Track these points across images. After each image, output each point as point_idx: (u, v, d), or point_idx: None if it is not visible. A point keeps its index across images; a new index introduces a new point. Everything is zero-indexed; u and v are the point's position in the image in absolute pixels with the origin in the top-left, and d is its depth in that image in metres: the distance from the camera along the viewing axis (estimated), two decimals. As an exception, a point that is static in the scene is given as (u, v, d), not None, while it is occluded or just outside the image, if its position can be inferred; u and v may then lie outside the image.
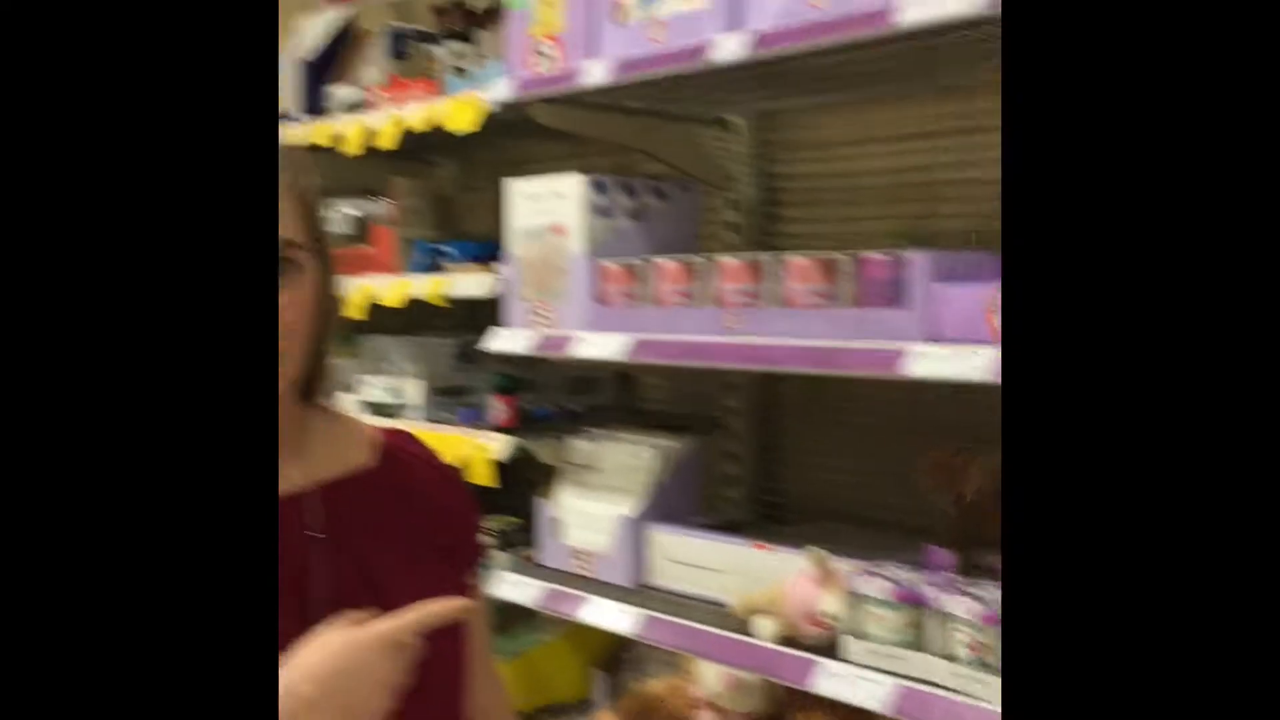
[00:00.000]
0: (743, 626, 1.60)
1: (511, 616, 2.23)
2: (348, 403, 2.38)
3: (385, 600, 1.04)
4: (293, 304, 1.01)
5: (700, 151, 2.11)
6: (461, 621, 1.08)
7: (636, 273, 1.78)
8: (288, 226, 1.01)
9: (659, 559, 1.82)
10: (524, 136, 2.47)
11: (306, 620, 1.01)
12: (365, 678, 0.95)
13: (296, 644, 0.98)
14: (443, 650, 1.06)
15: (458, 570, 1.16)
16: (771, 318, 1.55)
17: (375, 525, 1.11)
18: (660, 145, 2.08)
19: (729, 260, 1.62)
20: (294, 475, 1.08)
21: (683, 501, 1.91)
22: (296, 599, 1.03)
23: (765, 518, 2.13)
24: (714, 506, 2.09)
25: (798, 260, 1.53)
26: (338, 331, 1.13)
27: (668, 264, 1.72)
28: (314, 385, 1.12)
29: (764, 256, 1.58)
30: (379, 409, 2.32)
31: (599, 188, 1.87)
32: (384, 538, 1.10)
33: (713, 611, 1.69)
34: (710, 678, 1.75)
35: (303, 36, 2.61)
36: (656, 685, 1.88)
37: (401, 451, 1.18)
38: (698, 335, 1.63)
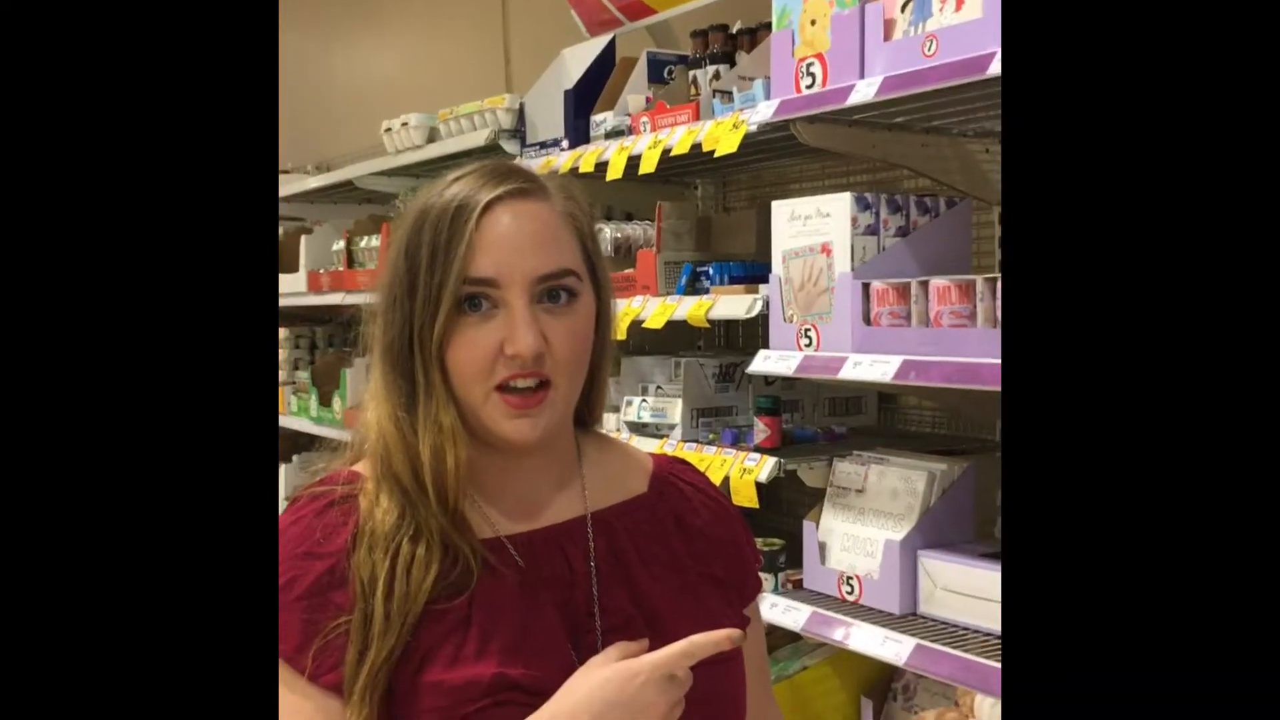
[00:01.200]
0: (1025, 661, 1.53)
1: (776, 640, 2.21)
2: (611, 423, 2.43)
3: (659, 629, 1.04)
4: (572, 332, 1.03)
5: (968, 165, 2.05)
6: (736, 653, 1.06)
7: (908, 292, 1.73)
8: (566, 256, 1.04)
9: (932, 587, 1.76)
10: (782, 156, 2.47)
11: (581, 649, 1.03)
12: (639, 709, 0.96)
13: (568, 674, 0.99)
14: (717, 681, 1.05)
15: (731, 603, 1.14)
16: (1057, 339, 1.47)
17: (649, 553, 1.10)
18: (925, 160, 2.03)
19: (1009, 279, 1.56)
20: (571, 502, 1.10)
21: (954, 527, 1.85)
22: (569, 627, 1.04)
23: (1041, 546, 2.04)
24: (985, 533, 2.01)
25: (1085, 278, 1.46)
26: (612, 358, 1.14)
27: (941, 283, 1.67)
28: (590, 412, 1.14)
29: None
30: (642, 429, 2.36)
31: (865, 205, 1.84)
32: (657, 566, 1.10)
33: (991, 643, 1.63)
34: (990, 712, 1.68)
35: (567, 65, 2.70)
36: (929, 716, 1.82)
37: (675, 479, 1.17)
38: (975, 357, 1.57)
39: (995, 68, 1.54)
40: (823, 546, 1.95)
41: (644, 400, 2.37)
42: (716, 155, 2.06)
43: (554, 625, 1.04)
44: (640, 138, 2.32)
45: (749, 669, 1.12)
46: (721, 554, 1.14)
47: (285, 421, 3.82)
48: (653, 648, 1.01)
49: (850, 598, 1.87)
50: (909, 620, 1.77)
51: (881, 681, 2.08)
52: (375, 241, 3.35)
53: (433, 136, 3.12)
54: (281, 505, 1.30)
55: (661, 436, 2.29)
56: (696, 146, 2.11)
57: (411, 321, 1.03)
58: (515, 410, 1.03)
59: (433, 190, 1.07)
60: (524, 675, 0.99)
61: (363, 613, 0.98)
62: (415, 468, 1.03)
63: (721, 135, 2.04)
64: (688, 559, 1.12)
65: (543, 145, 2.73)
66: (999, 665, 1.54)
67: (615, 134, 2.47)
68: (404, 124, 3.16)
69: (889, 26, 1.75)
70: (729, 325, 2.85)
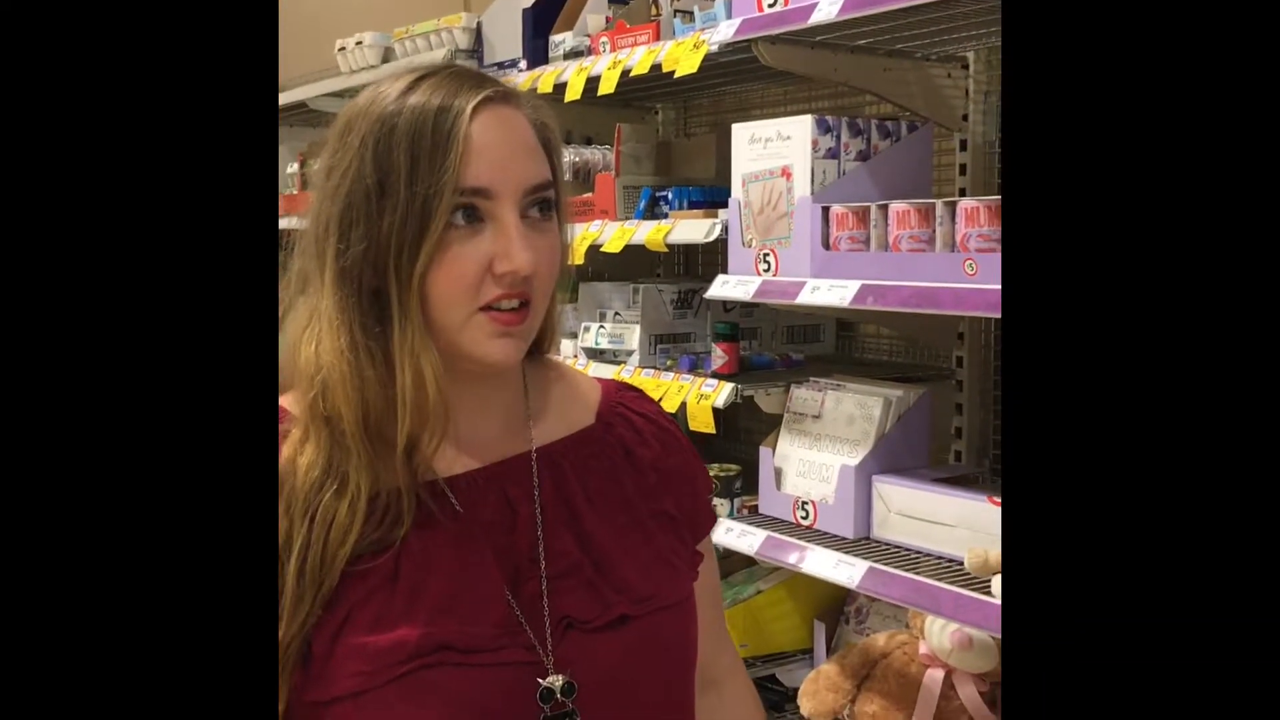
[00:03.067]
0: (975, 583, 1.55)
1: (731, 565, 2.23)
2: (568, 349, 2.41)
3: (606, 572, 0.99)
4: (552, 249, 0.97)
5: (931, 90, 2.03)
6: (688, 596, 1.03)
7: (866, 217, 1.72)
8: (545, 168, 0.98)
9: (885, 511, 1.77)
10: (744, 80, 2.44)
11: (521, 598, 0.96)
12: None
13: (506, 629, 0.93)
14: (669, 627, 1.00)
15: (684, 539, 1.08)
16: (1015, 263, 1.47)
17: (595, 491, 1.03)
18: (888, 85, 2.00)
19: (969, 202, 1.55)
20: (515, 439, 1.03)
21: (909, 453, 1.86)
22: (510, 575, 0.97)
23: (994, 472, 2.06)
24: (939, 459, 2.03)
25: (1045, 202, 1.45)
26: (566, 282, 1.07)
27: (901, 207, 1.65)
28: (543, 340, 1.06)
29: (1007, 198, 1.50)
30: (599, 355, 2.34)
31: (826, 128, 1.81)
32: (604, 504, 1.03)
33: (942, 566, 1.64)
34: (939, 635, 1.71)
35: (525, -15, 2.63)
36: (880, 639, 1.85)
37: (624, 409, 1.10)
38: (934, 282, 1.56)
39: (960, -13, 1.51)
40: (778, 472, 1.95)
41: (601, 326, 2.36)
42: (677, 76, 2.02)
43: (492, 575, 0.96)
44: (599, 58, 2.27)
45: (702, 604, 1.07)
46: (673, 488, 1.08)
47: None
48: (600, 591, 0.97)
49: (805, 522, 1.88)
50: (862, 544, 1.78)
51: (834, 605, 2.10)
52: (329, 164, 3.28)
53: (388, 56, 3.05)
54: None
55: (619, 363, 2.28)
56: (656, 67, 2.07)
57: (385, 239, 0.92)
58: (501, 328, 0.95)
59: (386, 95, 0.96)
60: (458, 633, 0.92)
61: (279, 580, 0.90)
62: (366, 409, 0.93)
63: (682, 56, 2.00)
64: (636, 495, 1.05)
65: (500, 65, 2.67)
66: (949, 587, 1.55)
67: (574, 55, 2.42)
68: (358, 43, 3.08)
69: (853, -56, 1.71)
70: (688, 252, 2.83)
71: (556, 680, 0.94)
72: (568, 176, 2.46)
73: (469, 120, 0.93)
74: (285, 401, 0.99)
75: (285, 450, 0.94)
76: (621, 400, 1.11)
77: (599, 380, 1.13)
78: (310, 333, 0.96)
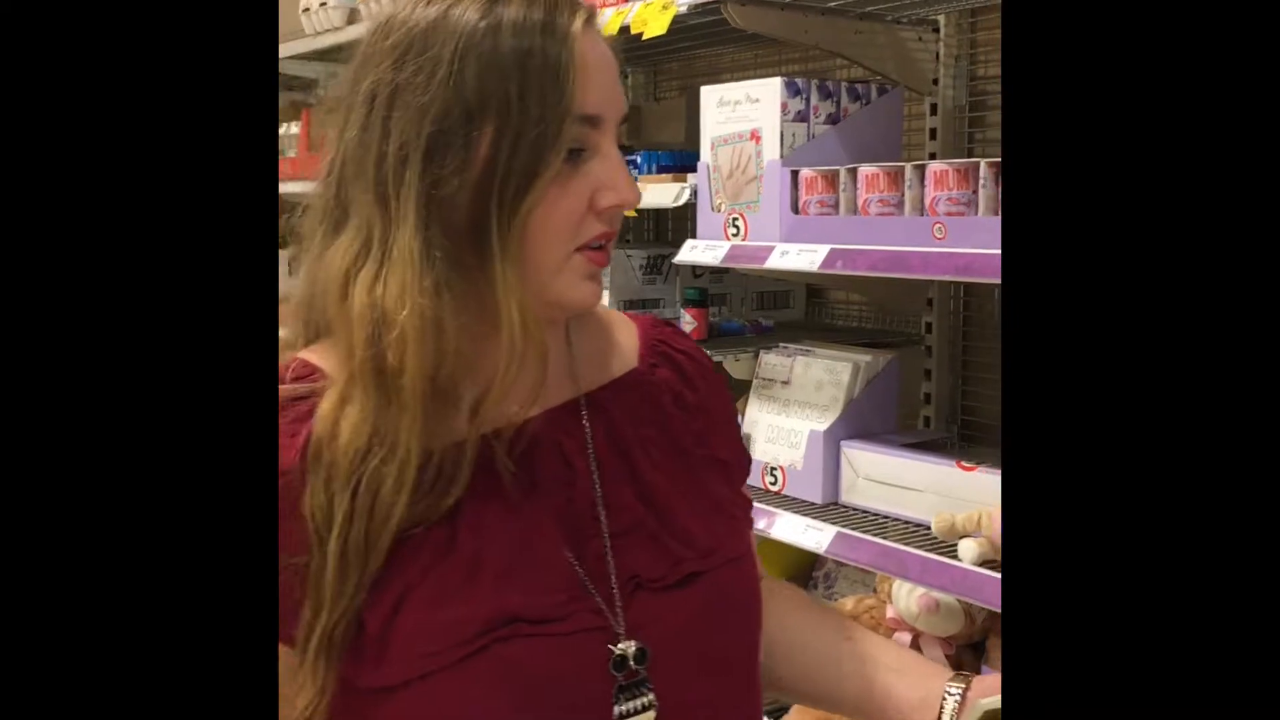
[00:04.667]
0: (942, 548, 1.55)
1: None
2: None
3: (669, 525, 0.92)
4: None
5: (902, 54, 2.01)
6: (748, 548, 0.98)
7: (836, 180, 1.71)
8: (625, 103, 0.90)
9: (854, 476, 1.77)
10: (715, 43, 2.41)
11: (586, 559, 0.89)
12: None
13: (574, 594, 0.86)
14: (737, 581, 0.95)
15: (735, 485, 1.01)
16: (984, 227, 1.46)
17: (648, 438, 0.95)
18: (859, 48, 1.99)
19: (938, 166, 1.54)
20: (560, 385, 0.93)
21: (878, 418, 1.85)
22: (571, 535, 0.89)
23: (962, 437, 2.06)
24: (908, 424, 2.03)
25: (1014, 165, 1.44)
26: None
27: (870, 171, 1.64)
28: None
29: (978, 162, 1.50)
30: (568, 320, 2.33)
31: (795, 91, 1.80)
32: (658, 451, 0.95)
33: (910, 531, 1.65)
34: (906, 599, 1.71)
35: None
36: (848, 604, 1.85)
37: (667, 347, 1.02)
38: (903, 246, 1.56)
39: (930, -53, 1.49)
40: (747, 438, 1.94)
41: (570, 292, 2.34)
42: (645, 38, 1.99)
43: (553, 537, 0.88)
44: (568, 20, 2.24)
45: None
46: (721, 430, 1.02)
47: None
48: (666, 546, 0.91)
49: (774, 488, 1.87)
50: (831, 509, 1.78)
51: (804, 570, 2.10)
52: (295, 129, 3.23)
53: (353, 18, 2.99)
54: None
55: (588, 328, 2.26)
56: (625, 29, 2.04)
57: (489, 169, 0.82)
58: (593, 268, 0.87)
59: (463, 7, 0.84)
60: (525, 603, 0.84)
61: (319, 559, 0.81)
62: (441, 360, 0.82)
63: (650, 17, 1.98)
64: (689, 440, 0.97)
65: (468, 28, 2.64)
66: (917, 551, 1.56)
67: (542, 16, 2.38)
68: (322, 4, 3.03)
69: (823, -97, 1.69)
70: (659, 218, 2.81)
71: (629, 646, 0.87)
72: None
73: (580, 40, 0.84)
74: (313, 356, 0.89)
75: (324, 411, 0.83)
76: (661, 338, 1.03)
77: (632, 316, 1.05)
78: (368, 273, 0.83)
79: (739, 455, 1.04)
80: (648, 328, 1.03)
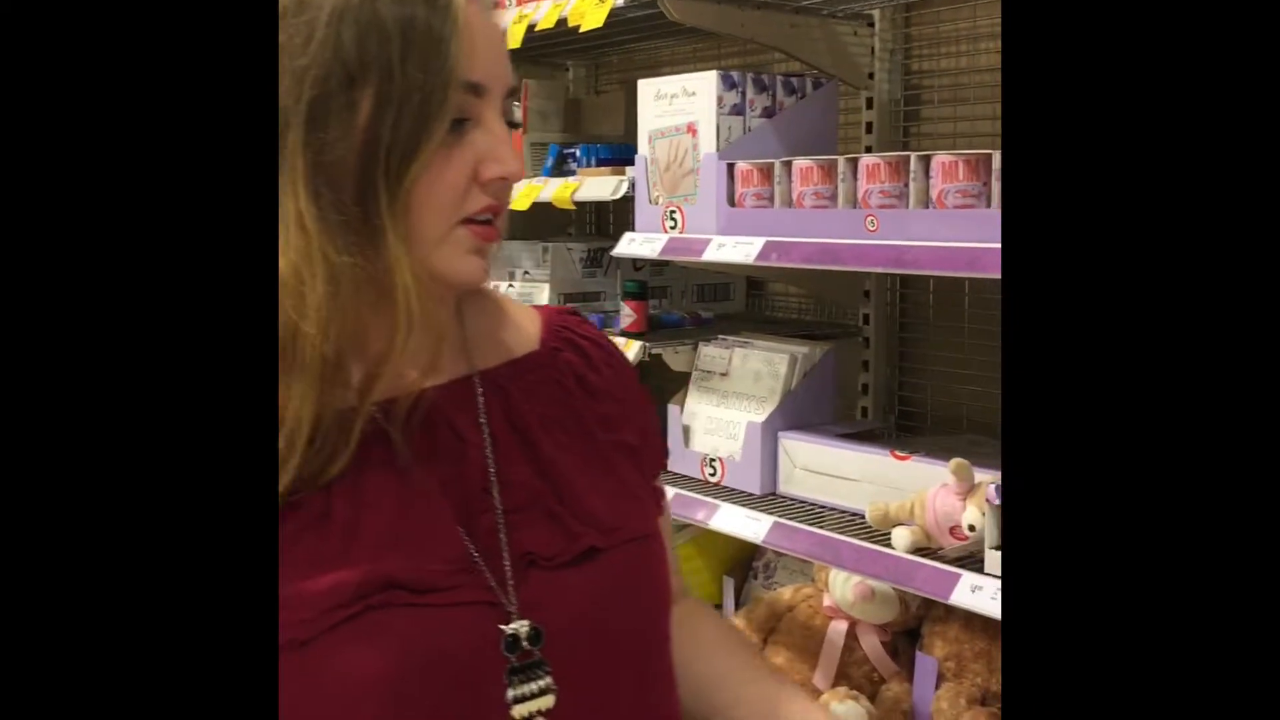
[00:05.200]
0: (877, 536, 1.57)
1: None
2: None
3: (570, 504, 0.90)
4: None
5: (837, 48, 2.03)
6: (655, 530, 0.96)
7: (771, 173, 1.72)
8: (513, 71, 0.89)
9: (791, 467, 1.79)
10: (654, 37, 2.42)
11: (477, 534, 0.86)
12: None
13: (460, 566, 0.84)
14: (638, 561, 0.92)
15: (644, 474, 0.99)
16: (915, 219, 1.48)
17: (550, 417, 0.93)
18: (794, 42, 2.00)
19: (870, 159, 1.55)
20: (453, 362, 0.92)
21: (815, 409, 1.87)
22: (460, 508, 0.87)
23: (899, 427, 2.09)
24: (846, 415, 2.05)
25: (945, 158, 1.46)
26: None
27: (805, 164, 1.66)
28: None
29: (909, 155, 1.51)
30: (508, 314, 2.33)
31: (731, 84, 1.81)
32: (561, 431, 0.93)
33: (846, 520, 1.67)
34: (842, 588, 1.73)
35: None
36: (786, 593, 1.87)
37: (570, 333, 1.00)
38: (837, 238, 1.57)
39: (862, -58, 1.51)
40: (686, 430, 1.96)
41: (510, 285, 2.34)
42: (583, 30, 2.00)
43: (440, 507, 0.86)
44: (505, 11, 2.23)
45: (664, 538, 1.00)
46: (630, 416, 0.99)
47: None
48: (563, 522, 0.88)
49: (713, 479, 1.88)
50: (769, 500, 1.80)
51: (743, 561, 2.12)
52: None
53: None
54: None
55: (528, 322, 2.26)
56: (563, 21, 2.04)
57: (371, 136, 0.80)
58: (479, 243, 0.86)
59: None
60: (406, 570, 0.82)
61: None
62: (342, 327, 0.81)
63: (588, 10, 1.98)
64: (595, 423, 0.95)
65: (406, 20, 2.62)
66: (852, 540, 1.57)
67: (481, 9, 2.38)
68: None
69: (758, -102, 1.70)
70: (599, 211, 2.81)
71: (522, 626, 0.84)
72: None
73: (464, 6, 0.82)
74: None
75: None
76: (565, 325, 1.01)
77: (537, 307, 1.04)
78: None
79: (652, 444, 1.02)
80: (551, 315, 1.02)
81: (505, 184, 0.86)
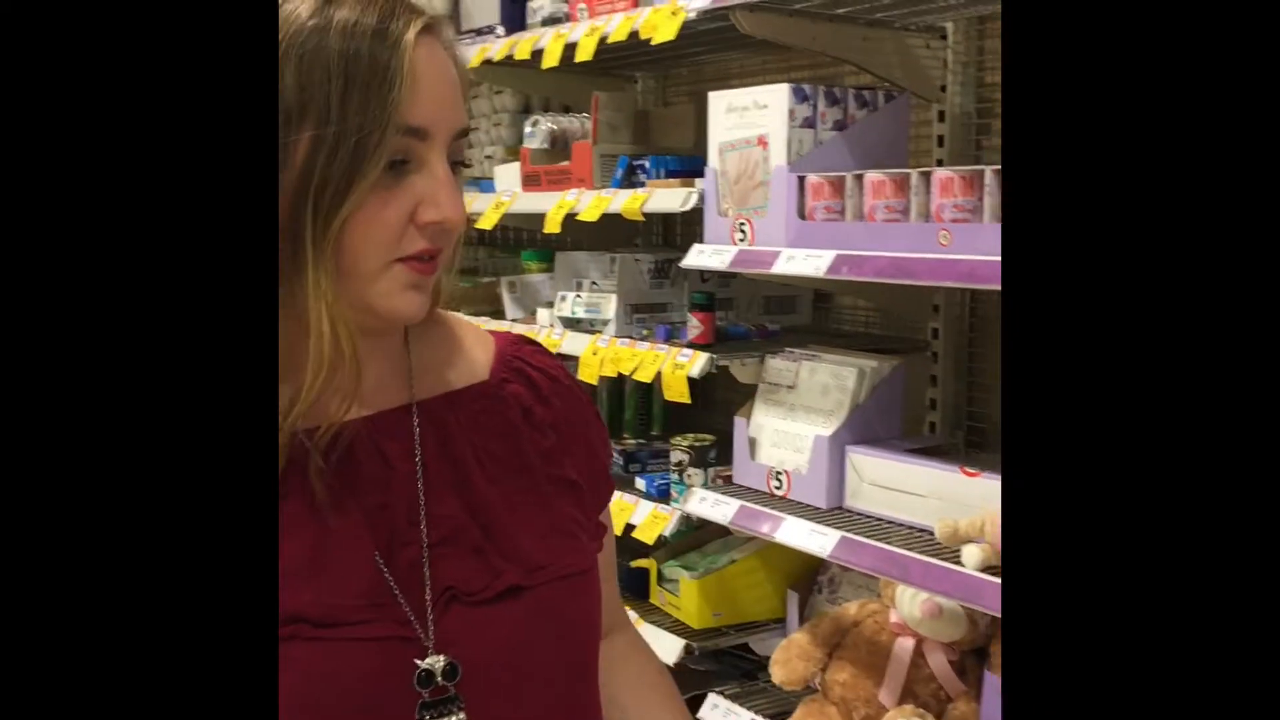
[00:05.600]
0: (946, 553, 1.56)
1: (706, 535, 2.23)
2: (544, 318, 2.41)
3: (496, 540, 0.89)
4: (463, 198, 0.89)
5: (910, 60, 2.02)
6: (591, 568, 0.95)
7: (842, 186, 1.72)
8: (465, 114, 0.89)
9: (858, 481, 1.78)
10: (724, 49, 2.42)
11: (396, 566, 0.86)
12: None
13: (372, 599, 0.84)
14: (570, 599, 0.92)
15: (585, 508, 0.98)
16: (990, 234, 1.47)
17: (487, 451, 0.93)
18: (866, 55, 1.99)
19: (944, 173, 1.54)
20: (393, 390, 0.92)
21: (883, 424, 1.86)
22: (384, 539, 0.87)
23: (967, 443, 2.06)
24: (913, 430, 2.03)
25: (1019, 172, 1.45)
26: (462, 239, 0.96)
27: (876, 177, 1.65)
28: (435, 293, 0.95)
29: (984, 169, 1.50)
30: (575, 324, 2.34)
31: (802, 97, 1.81)
32: (496, 466, 0.93)
33: (914, 536, 1.65)
34: (909, 604, 1.71)
35: (503, -50, 2.61)
36: (852, 608, 1.85)
37: (522, 363, 0.99)
38: (909, 252, 1.56)
39: (937, -45, 1.50)
40: (752, 442, 1.95)
41: (578, 295, 2.35)
42: (654, 43, 2.01)
43: (360, 539, 0.86)
44: (577, 25, 2.25)
45: (605, 573, 1.00)
46: (575, 451, 0.98)
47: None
48: (488, 559, 0.88)
49: (779, 492, 1.88)
50: (835, 514, 1.79)
51: (807, 574, 2.11)
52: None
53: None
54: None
55: (595, 332, 2.27)
56: (634, 34, 2.06)
57: (304, 174, 0.80)
58: (415, 278, 0.86)
59: (290, 6, 0.82)
60: (312, 603, 0.82)
61: None
62: None
63: (660, 22, 1.99)
64: (535, 458, 0.95)
65: (478, 33, 2.65)
66: (920, 556, 1.56)
67: (552, 21, 2.40)
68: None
69: (832, -89, 1.70)
70: (667, 222, 2.82)
71: (437, 661, 0.85)
72: (545, 145, 2.45)
73: (412, 48, 0.82)
74: None
75: None
76: (519, 355, 1.00)
77: (494, 333, 1.03)
78: None
79: (596, 479, 1.01)
80: (506, 345, 1.01)
81: (442, 227, 0.85)
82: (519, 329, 2.41)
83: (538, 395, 0.98)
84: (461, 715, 0.85)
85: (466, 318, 1.03)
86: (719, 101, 1.91)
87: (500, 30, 2.55)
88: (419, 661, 0.84)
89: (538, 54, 2.31)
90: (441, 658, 0.85)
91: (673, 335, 2.14)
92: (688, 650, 2.00)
